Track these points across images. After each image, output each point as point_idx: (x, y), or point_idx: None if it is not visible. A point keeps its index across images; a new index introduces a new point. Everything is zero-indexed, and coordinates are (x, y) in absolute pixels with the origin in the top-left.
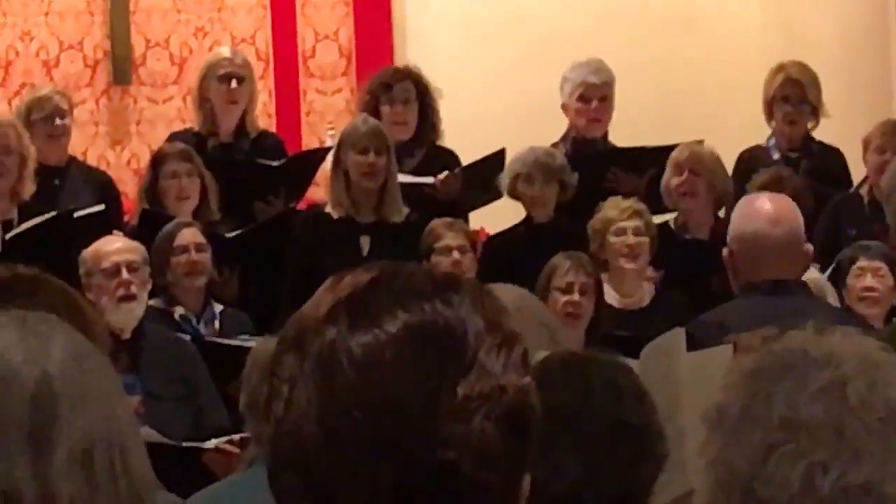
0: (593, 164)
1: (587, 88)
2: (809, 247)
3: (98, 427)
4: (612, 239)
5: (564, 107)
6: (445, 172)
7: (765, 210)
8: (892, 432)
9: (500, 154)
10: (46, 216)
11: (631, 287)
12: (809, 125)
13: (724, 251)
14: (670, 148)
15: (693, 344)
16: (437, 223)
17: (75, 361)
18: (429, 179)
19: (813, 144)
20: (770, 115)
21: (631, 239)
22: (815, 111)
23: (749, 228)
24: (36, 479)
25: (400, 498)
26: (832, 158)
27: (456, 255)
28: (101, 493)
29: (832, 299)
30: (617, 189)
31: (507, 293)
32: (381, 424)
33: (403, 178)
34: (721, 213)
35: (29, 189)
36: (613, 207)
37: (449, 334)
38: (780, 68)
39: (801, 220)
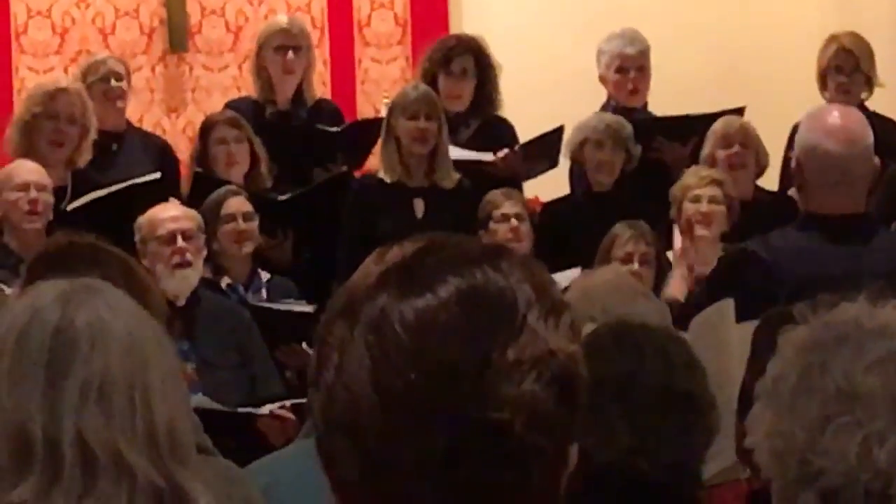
0: (637, 134)
1: (624, 59)
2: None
3: (120, 366)
4: (688, 205)
5: (602, 79)
6: (506, 150)
7: (832, 121)
8: None
9: (559, 130)
10: (109, 189)
11: (704, 254)
12: (863, 95)
13: (791, 161)
14: (713, 116)
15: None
16: (494, 192)
17: (108, 310)
18: (489, 157)
19: (868, 115)
20: (824, 85)
21: (705, 206)
22: (870, 81)
23: (813, 139)
24: (45, 410)
25: (452, 459)
26: (889, 129)
27: (514, 222)
28: (115, 427)
29: None
30: (662, 158)
31: (601, 275)
32: (434, 387)
33: (464, 153)
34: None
35: (85, 158)
36: (693, 175)
37: (499, 298)
38: (833, 39)
39: (868, 132)
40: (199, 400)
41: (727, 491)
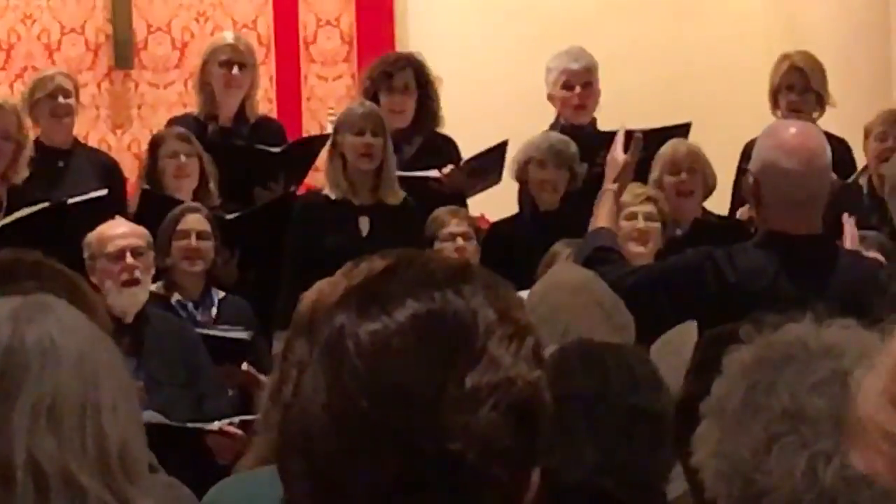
0: (583, 149)
1: (569, 75)
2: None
3: (71, 388)
4: (623, 223)
5: (550, 97)
6: (450, 167)
7: (791, 139)
8: None
9: (503, 145)
10: (38, 206)
11: None
12: (815, 115)
13: (748, 178)
14: (658, 130)
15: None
16: (440, 210)
17: (59, 328)
18: (434, 173)
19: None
20: (776, 104)
21: (641, 223)
22: (821, 100)
23: (772, 157)
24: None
25: (404, 488)
26: (839, 149)
27: (460, 241)
28: (66, 448)
29: None
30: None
31: (569, 274)
32: (386, 413)
33: (409, 172)
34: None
35: (21, 175)
36: (628, 192)
37: (458, 324)
38: (786, 57)
39: (825, 147)
40: (148, 415)
41: None
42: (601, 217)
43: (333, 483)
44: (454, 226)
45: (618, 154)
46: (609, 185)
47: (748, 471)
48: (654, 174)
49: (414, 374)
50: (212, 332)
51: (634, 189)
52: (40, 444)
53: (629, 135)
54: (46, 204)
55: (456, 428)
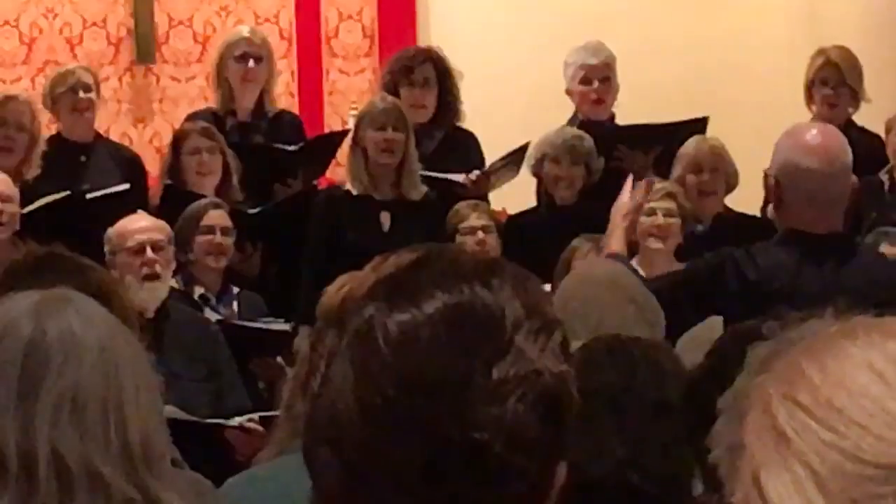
0: (600, 143)
1: (587, 70)
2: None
3: (93, 381)
4: (643, 219)
5: (568, 91)
6: (476, 172)
7: (811, 139)
8: None
9: (525, 148)
10: (59, 195)
11: (660, 268)
12: (850, 110)
13: (769, 179)
14: (676, 124)
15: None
16: (461, 204)
17: (80, 321)
18: (460, 178)
19: (853, 130)
20: (810, 98)
21: (660, 220)
22: (856, 95)
23: (793, 157)
24: (18, 425)
25: (431, 476)
26: (873, 145)
27: (480, 235)
28: (89, 441)
29: None
30: (625, 167)
31: (602, 267)
32: (413, 402)
33: (435, 173)
34: None
35: (34, 170)
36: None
37: (486, 317)
38: (821, 52)
39: (846, 149)
40: (169, 410)
41: None
42: (613, 244)
43: (361, 471)
44: (475, 219)
45: (623, 201)
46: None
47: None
48: (677, 172)
49: (441, 364)
50: (252, 325)
51: (654, 185)
52: (63, 438)
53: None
54: (68, 192)
55: (482, 418)
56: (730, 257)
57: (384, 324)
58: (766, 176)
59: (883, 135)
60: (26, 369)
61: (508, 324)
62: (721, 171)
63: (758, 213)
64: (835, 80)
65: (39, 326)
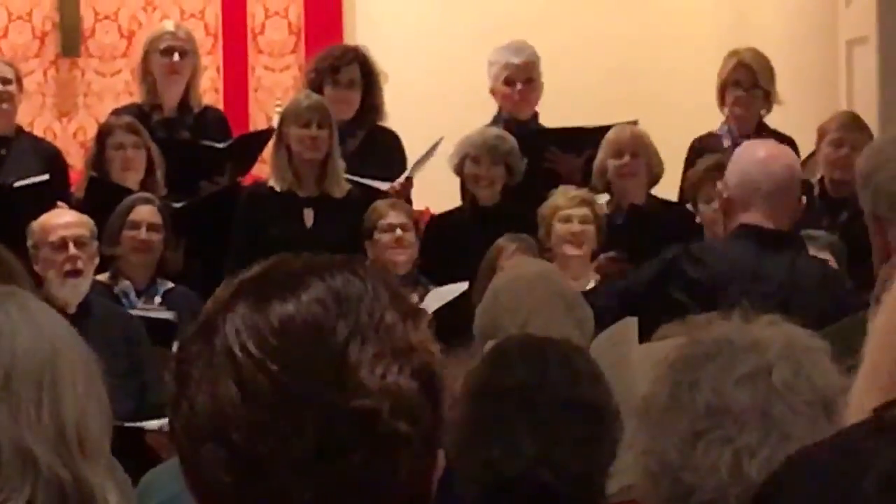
0: (531, 145)
1: (511, 71)
2: (803, 198)
3: (27, 364)
4: (558, 226)
5: (492, 91)
6: (400, 180)
7: (762, 153)
8: (818, 414)
9: (437, 143)
10: None
11: (576, 273)
12: (762, 112)
13: (720, 192)
14: (607, 128)
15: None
16: (380, 202)
17: (19, 311)
18: (384, 186)
19: (765, 132)
20: (723, 100)
21: (576, 226)
22: (768, 97)
23: (745, 169)
24: None
25: (324, 452)
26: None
27: (399, 232)
28: (21, 420)
29: None
30: (556, 170)
31: (529, 266)
32: (298, 379)
33: (359, 179)
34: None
35: None
36: (562, 195)
37: (358, 298)
38: (734, 53)
39: (798, 166)
40: None
41: None
42: None
43: (253, 459)
44: (393, 217)
45: None
46: None
47: (675, 469)
48: (599, 158)
49: (322, 342)
50: (139, 313)
51: (569, 192)
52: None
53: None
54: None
55: (366, 387)
56: (669, 264)
57: (263, 315)
58: (719, 193)
59: (797, 136)
60: None
61: (378, 305)
62: (641, 157)
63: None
64: (748, 82)
65: None
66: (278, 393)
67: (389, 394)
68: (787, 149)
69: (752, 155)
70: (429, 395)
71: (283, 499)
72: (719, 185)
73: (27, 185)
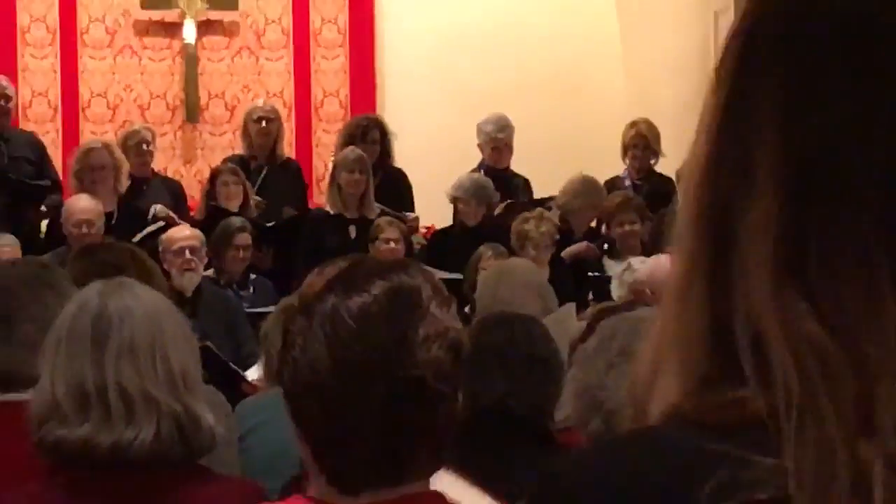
0: (500, 185)
1: (496, 142)
2: None
3: (142, 335)
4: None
5: (480, 146)
6: (412, 215)
7: None
8: None
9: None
10: (153, 228)
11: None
12: (651, 162)
13: None
14: (551, 198)
15: None
16: (381, 220)
17: (132, 297)
18: (409, 215)
19: (654, 175)
20: (625, 155)
21: (536, 232)
22: (656, 153)
23: None
24: (92, 369)
25: (388, 405)
26: (667, 185)
27: (392, 244)
28: (144, 376)
29: None
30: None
31: (518, 264)
32: (372, 356)
33: (386, 209)
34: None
35: (124, 186)
36: (529, 216)
37: (411, 293)
38: (634, 124)
39: None
40: (211, 344)
41: (574, 434)
42: None
43: (337, 409)
44: (389, 233)
45: None
46: None
47: (593, 389)
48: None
49: (387, 328)
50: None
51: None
52: (125, 373)
53: None
54: (156, 228)
55: (418, 360)
56: None
57: (346, 305)
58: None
59: (674, 177)
60: (96, 330)
61: (425, 297)
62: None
63: None
64: (642, 146)
65: (103, 302)
66: (356, 363)
67: (433, 364)
68: None
69: None
70: (456, 361)
71: (357, 433)
72: None
73: (158, 229)
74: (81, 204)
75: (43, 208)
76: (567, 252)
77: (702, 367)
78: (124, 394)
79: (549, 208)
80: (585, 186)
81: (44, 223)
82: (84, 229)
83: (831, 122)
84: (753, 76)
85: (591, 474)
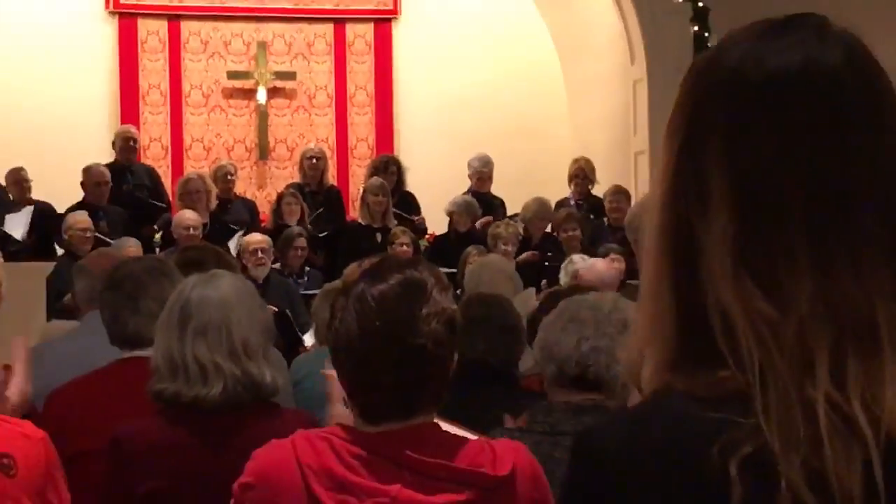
0: (483, 205)
1: (481, 175)
2: None
3: (213, 318)
4: (496, 243)
5: (469, 176)
6: (419, 217)
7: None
8: (622, 329)
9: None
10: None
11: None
12: (589, 188)
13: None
14: (516, 215)
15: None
16: (397, 229)
17: (213, 288)
18: (417, 218)
19: (591, 197)
20: (570, 182)
21: (507, 245)
22: (592, 182)
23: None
24: (181, 344)
25: (399, 364)
26: (600, 204)
27: (405, 246)
28: (213, 349)
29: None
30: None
31: (494, 260)
32: (389, 327)
33: (401, 212)
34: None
35: (213, 206)
36: (500, 224)
37: (420, 283)
38: (576, 161)
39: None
40: (289, 313)
41: (533, 380)
42: None
43: (362, 362)
44: (403, 238)
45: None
46: None
47: (550, 345)
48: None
49: (400, 308)
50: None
51: (502, 223)
52: (198, 350)
53: None
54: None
55: (423, 332)
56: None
57: (371, 290)
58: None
59: (602, 196)
60: (183, 314)
61: (429, 286)
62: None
63: None
64: (582, 176)
65: (189, 293)
66: (376, 332)
67: (432, 335)
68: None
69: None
70: (451, 332)
71: (377, 382)
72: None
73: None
74: (188, 216)
75: (155, 227)
76: (520, 258)
77: (675, 347)
78: (199, 363)
79: (516, 220)
80: (539, 205)
81: (157, 235)
82: (190, 231)
83: (763, 158)
84: (702, 128)
85: (623, 433)
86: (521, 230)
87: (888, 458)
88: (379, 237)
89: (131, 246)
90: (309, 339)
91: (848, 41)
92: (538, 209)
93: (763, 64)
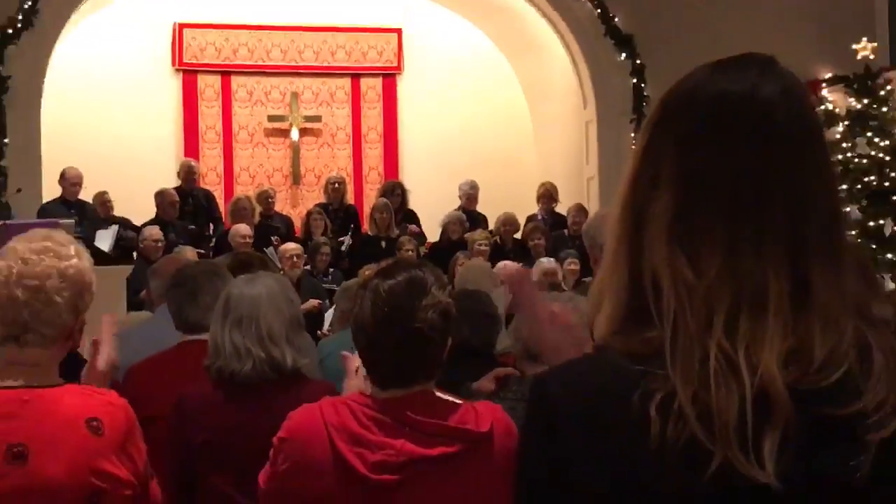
0: (471, 219)
1: (468, 195)
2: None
3: (247, 311)
4: (474, 246)
5: (459, 197)
6: (417, 228)
7: None
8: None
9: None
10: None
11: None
12: (553, 206)
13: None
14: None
15: None
16: (402, 238)
17: (252, 286)
18: (415, 228)
19: (554, 214)
20: (538, 202)
21: (482, 245)
22: (555, 200)
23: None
24: (222, 331)
25: (400, 343)
26: (562, 219)
27: (409, 252)
28: (245, 336)
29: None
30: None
31: (478, 261)
32: (395, 314)
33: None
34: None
35: (257, 220)
36: (474, 233)
37: (421, 280)
38: (543, 185)
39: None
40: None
41: (508, 357)
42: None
43: (374, 342)
44: (407, 245)
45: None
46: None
47: (520, 330)
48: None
49: (404, 300)
50: (328, 287)
51: (478, 233)
52: (234, 336)
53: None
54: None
55: (421, 319)
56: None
57: (383, 284)
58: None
59: (565, 213)
60: (225, 308)
61: (429, 283)
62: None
63: None
64: (547, 197)
65: (232, 291)
66: (385, 318)
67: (429, 322)
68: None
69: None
70: (445, 321)
71: (385, 357)
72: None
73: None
74: (243, 229)
75: (212, 242)
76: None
77: (623, 308)
78: (234, 346)
79: (492, 232)
80: (506, 217)
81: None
82: (244, 240)
83: (704, 158)
84: (661, 132)
85: (568, 380)
86: (490, 238)
87: (759, 395)
88: (384, 245)
89: (189, 251)
90: (326, 323)
91: (787, 78)
92: (505, 220)
93: (714, 87)
